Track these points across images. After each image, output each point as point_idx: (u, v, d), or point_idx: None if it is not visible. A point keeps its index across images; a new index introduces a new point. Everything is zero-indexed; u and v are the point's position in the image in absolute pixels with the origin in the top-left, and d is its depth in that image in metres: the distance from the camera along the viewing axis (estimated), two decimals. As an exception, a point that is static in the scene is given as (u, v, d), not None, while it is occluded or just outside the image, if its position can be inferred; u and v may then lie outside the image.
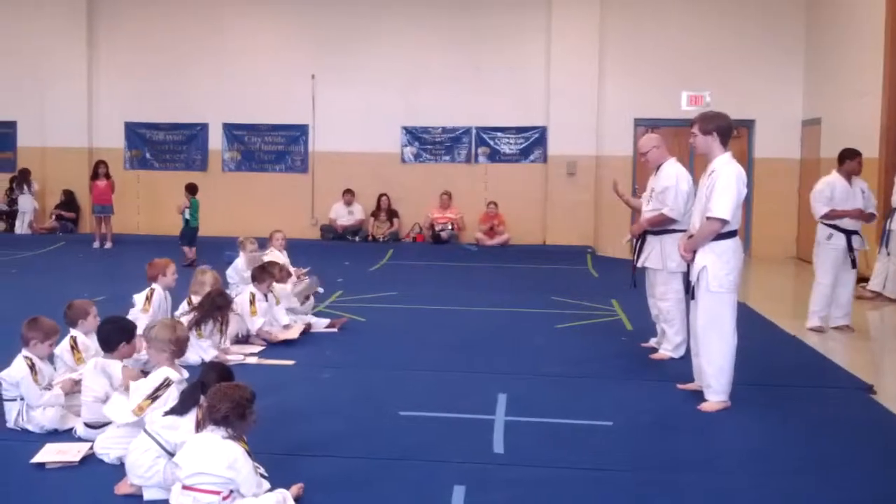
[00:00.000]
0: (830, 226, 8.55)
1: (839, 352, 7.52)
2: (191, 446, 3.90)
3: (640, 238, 7.24)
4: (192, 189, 13.47)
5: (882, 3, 11.58)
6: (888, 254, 10.44)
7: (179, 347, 4.77)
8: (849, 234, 8.55)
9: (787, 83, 15.01)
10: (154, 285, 7.07)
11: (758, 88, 14.98)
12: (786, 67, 14.99)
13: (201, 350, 6.72)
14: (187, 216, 13.11)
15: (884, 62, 11.51)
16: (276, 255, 9.42)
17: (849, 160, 8.52)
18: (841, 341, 8.33)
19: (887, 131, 11.50)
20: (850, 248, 8.56)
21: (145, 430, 4.28)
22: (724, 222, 5.65)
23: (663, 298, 7.09)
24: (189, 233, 13.07)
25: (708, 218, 5.69)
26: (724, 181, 5.65)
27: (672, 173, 7.06)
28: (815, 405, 6.00)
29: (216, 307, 6.83)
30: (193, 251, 12.83)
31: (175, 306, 7.27)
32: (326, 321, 8.21)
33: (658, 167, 7.19)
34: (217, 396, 3.87)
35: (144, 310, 6.87)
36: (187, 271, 9.09)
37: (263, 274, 7.72)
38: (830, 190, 8.50)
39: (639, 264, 7.28)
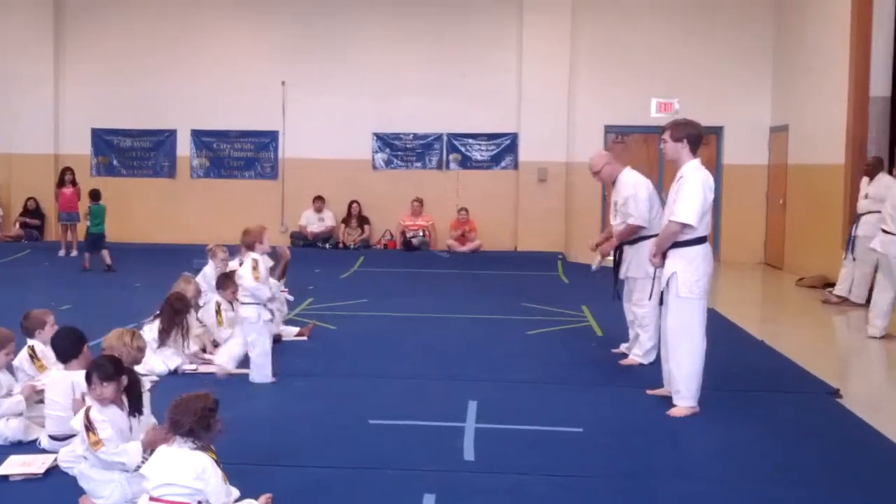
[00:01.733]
0: None
1: (806, 356, 7.59)
2: (158, 457, 3.85)
3: (618, 250, 7.27)
4: (94, 195, 13.43)
5: (847, 12, 11.75)
6: (854, 259, 10.57)
7: (134, 357, 4.73)
8: None
9: (754, 90, 15.18)
10: (254, 255, 6.58)
11: (726, 95, 15.13)
12: (754, 75, 15.16)
13: (165, 358, 6.63)
14: (88, 222, 13.12)
15: (849, 70, 11.68)
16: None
17: None
18: (808, 346, 8.41)
19: (853, 138, 11.66)
20: None
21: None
22: (685, 226, 5.69)
23: (639, 304, 7.12)
24: (90, 238, 13.04)
25: (669, 220, 5.74)
26: (691, 187, 5.69)
27: (629, 182, 7.12)
28: (782, 409, 6.06)
29: (174, 311, 6.72)
30: (88, 258, 12.90)
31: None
32: (296, 329, 8.15)
33: (615, 180, 7.23)
34: (179, 410, 3.80)
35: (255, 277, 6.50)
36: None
37: (227, 280, 7.64)
38: None
39: (621, 276, 7.30)
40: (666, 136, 5.94)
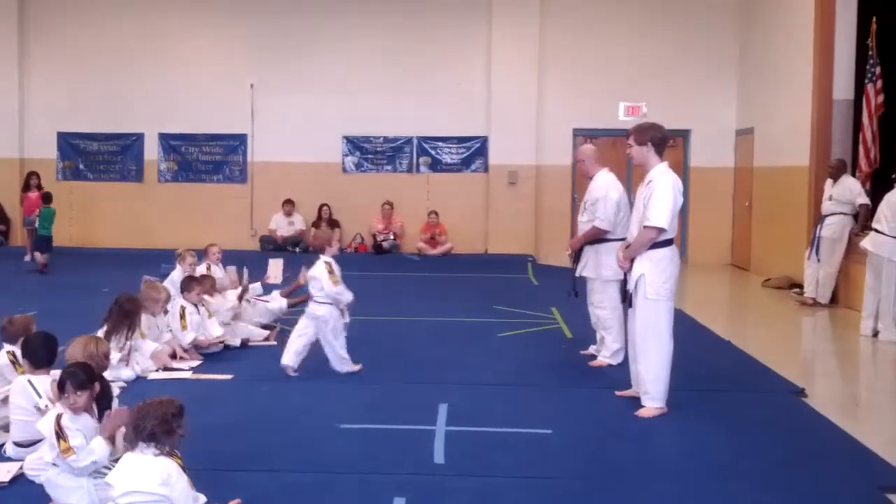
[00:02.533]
0: None
1: (772, 356, 7.69)
2: (123, 465, 3.82)
3: (579, 248, 7.36)
4: (46, 198, 13.47)
5: (811, 18, 11.93)
6: (818, 260, 10.72)
7: (100, 364, 4.69)
8: None
9: (721, 94, 15.36)
10: (325, 258, 6.85)
11: (693, 99, 15.30)
12: (720, 79, 15.34)
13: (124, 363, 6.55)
14: (37, 225, 13.20)
15: (813, 73, 11.85)
16: (212, 269, 9.30)
17: None
18: (774, 346, 8.52)
19: (817, 141, 11.82)
20: None
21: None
22: (661, 230, 5.74)
23: (600, 306, 7.20)
24: (39, 240, 13.11)
25: (645, 227, 5.78)
26: (661, 190, 5.74)
27: (602, 184, 7.20)
28: (749, 409, 6.13)
29: (123, 313, 6.56)
30: (45, 257, 12.90)
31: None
32: (265, 333, 8.12)
33: (591, 177, 7.32)
34: (142, 414, 3.78)
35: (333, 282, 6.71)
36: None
37: (191, 283, 7.60)
38: None
39: (577, 273, 7.40)
40: (630, 140, 6.00)
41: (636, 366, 6.02)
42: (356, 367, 6.91)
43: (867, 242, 9.03)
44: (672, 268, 5.87)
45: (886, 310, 8.72)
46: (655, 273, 5.79)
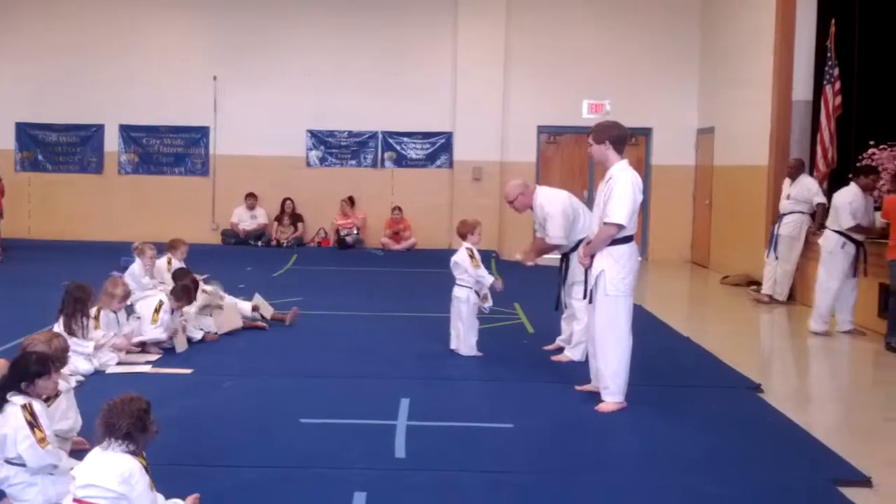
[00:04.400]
0: (844, 235, 8.91)
1: (729, 352, 7.81)
2: (89, 459, 3.78)
3: (564, 259, 7.24)
4: None
5: (772, 19, 12.09)
6: (776, 258, 10.89)
7: (61, 359, 4.64)
8: (858, 243, 8.97)
9: (682, 93, 15.53)
10: (467, 244, 7.35)
11: (655, 98, 15.46)
12: (682, 78, 15.51)
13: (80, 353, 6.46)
14: None
15: (773, 74, 12.02)
16: (173, 264, 9.23)
17: (865, 176, 9.02)
18: (731, 342, 8.65)
19: (776, 140, 12.01)
20: (861, 257, 8.95)
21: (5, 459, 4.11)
22: (621, 227, 5.80)
23: (577, 297, 7.18)
24: None
25: (605, 223, 5.84)
26: (621, 187, 5.80)
27: (545, 202, 7.16)
28: (707, 404, 6.22)
29: (74, 300, 6.48)
30: None
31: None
32: (200, 334, 7.86)
33: (532, 207, 7.31)
34: (115, 413, 3.73)
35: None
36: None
37: (183, 295, 7.46)
38: (858, 202, 8.91)
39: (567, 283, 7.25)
40: (590, 139, 6.06)
41: (595, 361, 6.08)
42: (478, 353, 7.41)
43: (822, 238, 9.31)
44: (631, 263, 5.93)
45: (818, 303, 9.03)
46: (615, 269, 5.85)
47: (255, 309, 8.45)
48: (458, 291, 7.42)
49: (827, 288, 8.96)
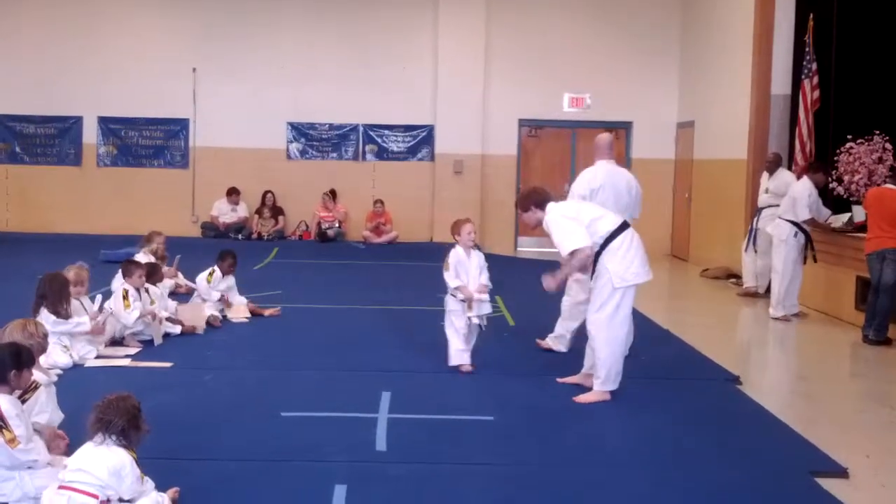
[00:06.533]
0: (795, 225, 9.45)
1: (709, 345, 7.87)
2: (81, 452, 3.79)
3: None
4: None
5: (751, 14, 12.16)
6: (755, 251, 10.96)
7: (41, 346, 4.61)
8: (807, 232, 9.53)
9: (662, 87, 15.59)
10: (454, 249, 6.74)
11: (635, 92, 15.51)
12: (662, 73, 15.57)
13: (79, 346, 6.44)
14: None
15: (752, 69, 12.09)
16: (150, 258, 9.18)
17: (822, 172, 9.64)
18: (711, 335, 8.71)
19: (755, 135, 12.08)
20: (810, 245, 9.52)
21: None
22: (577, 251, 5.84)
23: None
24: None
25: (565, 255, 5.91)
26: (554, 227, 6.00)
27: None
28: (685, 396, 6.27)
29: (56, 288, 6.47)
30: None
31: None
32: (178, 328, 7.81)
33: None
34: (110, 411, 3.73)
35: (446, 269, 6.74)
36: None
37: (131, 266, 7.44)
38: (814, 196, 9.46)
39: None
40: (519, 211, 6.38)
41: (591, 350, 6.14)
42: (469, 368, 6.66)
43: (772, 227, 9.90)
44: (633, 251, 5.98)
45: (776, 289, 9.54)
46: (616, 262, 5.93)
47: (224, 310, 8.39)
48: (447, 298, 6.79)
49: (782, 274, 9.45)
